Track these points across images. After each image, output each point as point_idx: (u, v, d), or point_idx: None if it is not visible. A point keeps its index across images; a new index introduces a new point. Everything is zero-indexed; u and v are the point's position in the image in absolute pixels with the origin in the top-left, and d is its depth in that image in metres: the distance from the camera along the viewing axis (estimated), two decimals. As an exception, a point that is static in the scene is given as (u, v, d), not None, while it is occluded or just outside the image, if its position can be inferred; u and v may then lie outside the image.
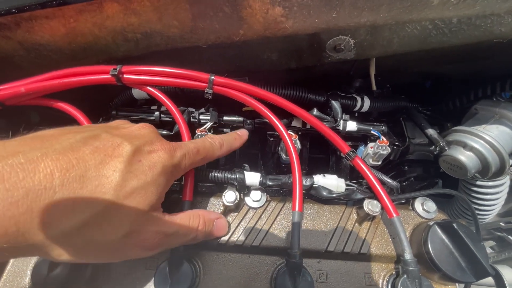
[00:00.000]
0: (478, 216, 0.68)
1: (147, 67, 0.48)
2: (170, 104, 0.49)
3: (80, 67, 0.48)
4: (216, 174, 0.46)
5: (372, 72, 0.70)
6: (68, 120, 0.84)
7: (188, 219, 0.39)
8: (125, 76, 0.48)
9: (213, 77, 0.49)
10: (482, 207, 0.64)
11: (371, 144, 0.55)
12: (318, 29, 0.49)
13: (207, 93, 0.50)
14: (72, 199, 0.27)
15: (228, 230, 0.45)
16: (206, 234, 0.41)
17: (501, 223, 0.82)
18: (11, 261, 0.42)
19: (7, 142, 0.29)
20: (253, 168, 0.52)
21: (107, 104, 0.67)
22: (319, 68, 0.73)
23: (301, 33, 0.50)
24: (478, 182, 0.62)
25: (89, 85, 0.49)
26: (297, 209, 0.43)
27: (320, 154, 0.73)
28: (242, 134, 0.51)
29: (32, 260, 0.42)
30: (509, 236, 0.86)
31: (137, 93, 0.62)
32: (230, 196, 0.44)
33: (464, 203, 0.63)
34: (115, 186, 0.30)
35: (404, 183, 0.76)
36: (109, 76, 0.48)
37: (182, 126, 0.48)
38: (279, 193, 0.59)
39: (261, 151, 0.69)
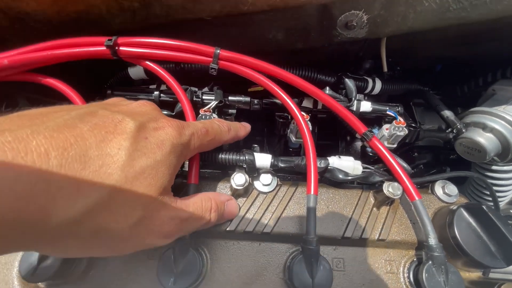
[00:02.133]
0: (490, 201, 0.66)
1: (146, 38, 0.44)
2: (171, 81, 0.45)
3: (71, 38, 0.44)
4: (223, 156, 0.43)
5: (383, 52, 0.66)
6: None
7: (201, 202, 0.35)
8: (121, 48, 0.44)
9: (218, 51, 0.45)
10: (496, 193, 0.62)
11: (386, 126, 0.51)
12: None
13: (212, 68, 0.46)
14: (74, 181, 0.23)
15: (237, 216, 0.42)
16: (219, 217, 0.38)
17: (511, 210, 0.81)
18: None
19: None
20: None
21: (101, 85, 0.63)
22: (326, 49, 0.69)
23: (315, 2, 0.46)
24: (494, 167, 0.59)
25: (82, 59, 0.44)
26: (312, 192, 0.39)
27: (328, 140, 0.69)
28: (246, 126, 0.47)
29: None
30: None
31: (134, 72, 0.57)
32: (239, 178, 0.41)
33: (482, 185, 0.60)
34: (122, 165, 0.26)
35: (414, 170, 0.74)
36: (104, 48, 0.43)
37: (185, 105, 0.44)
38: (287, 179, 0.56)
39: (267, 135, 0.65)
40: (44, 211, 0.22)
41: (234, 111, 0.53)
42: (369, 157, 0.59)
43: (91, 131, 0.26)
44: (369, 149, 0.59)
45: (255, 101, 0.52)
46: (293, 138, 0.52)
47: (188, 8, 0.47)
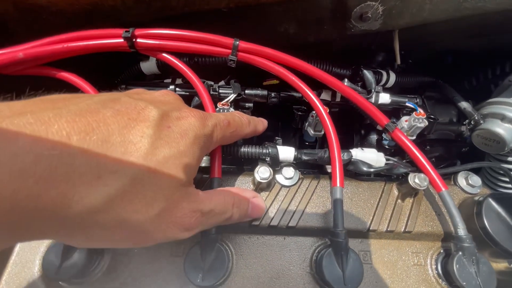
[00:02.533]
0: (506, 190, 0.66)
1: (164, 29, 0.43)
2: (190, 73, 0.44)
3: (87, 30, 0.42)
4: (246, 149, 0.42)
5: (397, 45, 0.65)
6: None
7: (223, 197, 0.34)
8: (138, 40, 0.43)
9: (237, 42, 0.44)
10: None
11: (405, 118, 0.51)
12: None
13: (230, 60, 0.45)
14: (95, 168, 0.22)
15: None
16: (241, 214, 0.36)
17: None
18: (17, 248, 0.37)
19: (12, 103, 0.24)
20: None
21: (112, 81, 0.61)
22: (337, 43, 0.68)
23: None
24: (510, 158, 0.59)
25: (98, 51, 0.43)
26: (338, 184, 0.39)
27: (342, 133, 0.68)
28: (264, 121, 0.46)
29: (41, 247, 0.37)
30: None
31: (146, 67, 0.55)
32: (264, 172, 0.40)
33: (502, 173, 0.59)
34: (145, 153, 0.25)
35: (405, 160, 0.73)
36: (121, 40, 0.42)
37: (205, 97, 0.43)
38: (304, 172, 0.55)
39: (281, 129, 0.64)
40: (64, 197, 0.21)
41: (251, 104, 0.52)
42: (385, 150, 0.58)
43: (114, 117, 0.25)
44: (385, 142, 0.59)
45: (273, 94, 0.52)
46: (311, 132, 0.51)
47: (205, -1, 0.46)
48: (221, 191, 0.36)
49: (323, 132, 0.51)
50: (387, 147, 0.58)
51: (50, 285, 0.36)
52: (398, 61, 0.67)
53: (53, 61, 0.45)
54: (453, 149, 0.76)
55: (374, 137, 0.62)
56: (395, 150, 0.58)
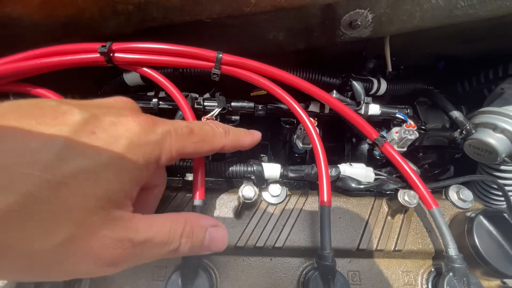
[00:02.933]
0: (497, 203, 0.65)
1: (143, 43, 0.41)
2: (171, 87, 0.42)
3: (62, 45, 0.40)
4: (229, 168, 0.40)
5: (388, 52, 0.64)
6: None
7: (170, 224, 0.27)
8: (116, 55, 0.41)
9: (221, 55, 0.42)
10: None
11: (395, 129, 0.50)
12: None
13: (214, 73, 0.43)
14: None
15: (246, 231, 0.39)
16: (194, 246, 0.29)
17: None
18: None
19: None
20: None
21: (96, 92, 0.59)
22: (328, 49, 0.67)
23: (320, 2, 0.44)
24: (502, 167, 0.58)
25: (74, 67, 0.41)
26: (325, 202, 0.37)
27: (332, 143, 0.67)
28: (254, 133, 0.40)
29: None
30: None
31: (129, 78, 0.54)
32: (248, 191, 0.38)
33: (494, 187, 0.59)
34: (45, 165, 0.20)
35: (420, 170, 0.73)
36: (98, 55, 0.40)
37: (187, 112, 0.41)
38: (293, 185, 0.54)
39: (270, 141, 0.63)
40: None
41: (237, 117, 0.50)
42: (376, 161, 0.57)
43: (17, 119, 0.21)
44: (376, 152, 0.58)
45: (259, 106, 0.50)
46: (299, 144, 0.50)
47: (186, 10, 0.44)
48: (169, 216, 0.29)
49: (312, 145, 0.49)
50: (378, 157, 0.57)
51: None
52: (390, 68, 0.65)
53: (31, 76, 0.43)
54: (446, 156, 0.75)
55: (365, 147, 0.61)
56: (387, 160, 0.57)
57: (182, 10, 0.44)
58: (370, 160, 0.59)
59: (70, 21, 0.43)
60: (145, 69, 0.43)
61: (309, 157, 0.60)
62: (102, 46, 0.39)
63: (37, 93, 0.42)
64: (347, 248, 0.40)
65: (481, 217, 0.38)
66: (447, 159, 0.76)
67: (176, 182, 0.55)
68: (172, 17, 0.45)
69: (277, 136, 0.59)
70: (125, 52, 0.41)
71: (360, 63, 0.68)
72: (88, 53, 0.40)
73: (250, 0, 0.42)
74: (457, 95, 0.76)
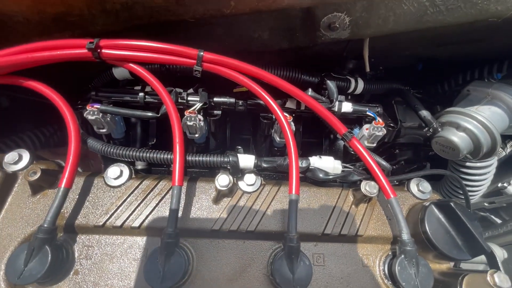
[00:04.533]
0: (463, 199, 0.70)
1: (129, 41, 0.44)
2: (155, 83, 0.45)
3: (52, 40, 0.43)
4: (207, 158, 0.44)
5: (366, 53, 0.68)
6: (41, 105, 0.77)
7: None
8: (104, 51, 0.44)
9: (202, 53, 0.46)
10: (470, 188, 0.65)
11: (366, 126, 0.53)
12: (314, 2, 0.46)
13: (195, 71, 0.46)
14: None
15: (221, 216, 0.43)
16: None
17: (485, 203, 0.85)
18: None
19: None
20: (245, 153, 0.50)
21: (86, 85, 0.62)
22: (311, 49, 0.70)
23: (297, 6, 0.47)
24: (468, 163, 0.63)
25: (64, 61, 0.44)
26: (293, 191, 0.41)
27: (312, 138, 0.71)
28: None
29: (7, 252, 0.39)
30: (492, 216, 0.90)
31: (118, 73, 0.57)
32: (223, 180, 0.42)
33: (456, 182, 0.63)
34: None
35: (395, 167, 0.77)
36: (86, 50, 0.43)
37: (170, 107, 0.45)
38: (272, 177, 0.57)
39: (253, 135, 0.66)
40: None
41: (219, 112, 0.54)
42: (351, 155, 0.61)
43: None
44: (350, 148, 0.62)
45: (240, 102, 0.53)
46: (277, 138, 0.53)
47: (171, 10, 0.47)
48: None
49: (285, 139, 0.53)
50: (352, 152, 0.60)
51: (15, 289, 0.38)
52: (367, 69, 0.69)
53: (23, 70, 0.46)
54: (421, 153, 0.80)
55: (341, 143, 0.65)
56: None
57: (166, 10, 0.46)
58: (346, 155, 0.63)
59: (60, 18, 0.46)
60: (131, 65, 0.46)
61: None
62: (90, 43, 0.42)
63: (29, 85, 0.45)
64: (313, 233, 0.44)
65: (433, 207, 0.42)
66: (422, 156, 0.80)
67: (162, 172, 0.58)
68: (157, 16, 0.48)
69: (259, 131, 0.63)
70: (112, 48, 0.44)
71: (341, 63, 0.71)
72: (77, 48, 0.43)
73: (229, 2, 0.45)
74: (435, 95, 0.80)
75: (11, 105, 0.76)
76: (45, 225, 0.37)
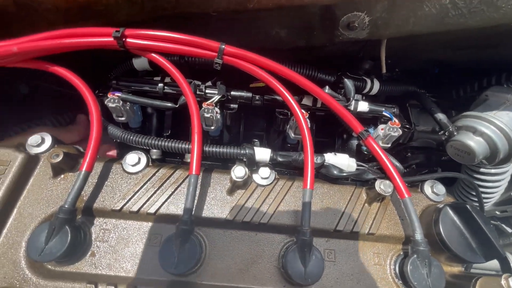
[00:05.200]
0: (476, 203, 0.69)
1: (154, 31, 0.45)
2: (177, 74, 0.46)
3: (79, 28, 0.44)
4: (224, 150, 0.44)
5: (383, 54, 0.68)
6: (59, 93, 0.79)
7: None
8: (128, 40, 0.45)
9: (223, 46, 0.46)
10: (483, 195, 0.64)
11: (381, 126, 0.53)
12: (334, 0, 0.46)
13: (216, 63, 0.47)
14: None
15: (235, 207, 0.44)
16: None
17: (497, 212, 0.84)
18: (4, 231, 0.40)
19: None
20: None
21: (105, 74, 0.63)
22: (327, 48, 0.70)
23: (319, 3, 0.48)
24: (482, 169, 0.62)
25: (89, 49, 0.45)
26: (308, 186, 0.41)
27: (324, 137, 0.71)
28: None
29: (28, 231, 0.40)
30: (503, 225, 0.89)
31: (138, 63, 0.58)
32: (239, 171, 0.43)
33: (469, 187, 0.63)
34: None
35: (406, 170, 0.76)
36: (111, 39, 0.44)
37: (190, 97, 0.45)
38: (284, 173, 0.58)
39: (266, 130, 0.66)
40: None
41: (236, 105, 0.54)
42: (363, 155, 0.61)
43: None
44: (364, 148, 0.61)
45: (257, 97, 0.54)
46: (291, 134, 0.54)
47: (195, 2, 0.48)
48: None
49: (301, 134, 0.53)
50: (365, 152, 0.61)
51: (34, 266, 0.39)
52: (384, 70, 0.69)
53: (47, 55, 0.47)
54: (434, 157, 0.79)
55: (354, 142, 0.65)
56: (372, 156, 0.61)
57: (190, 2, 0.47)
58: (358, 154, 0.63)
59: (87, 6, 0.47)
60: (153, 55, 0.46)
61: (300, 148, 0.64)
62: (116, 31, 0.43)
63: (54, 70, 0.46)
64: (325, 228, 0.44)
65: (448, 209, 0.42)
66: (434, 161, 0.79)
67: (176, 162, 0.59)
68: (181, 8, 0.48)
69: (273, 126, 0.63)
70: (136, 38, 0.45)
71: (356, 63, 0.71)
72: (103, 36, 0.44)
73: (253, -3, 0.46)
74: (451, 100, 0.79)
75: (30, 92, 0.78)
76: (66, 206, 0.38)
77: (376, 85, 0.65)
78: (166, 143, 0.44)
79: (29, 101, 0.77)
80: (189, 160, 0.59)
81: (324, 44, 0.64)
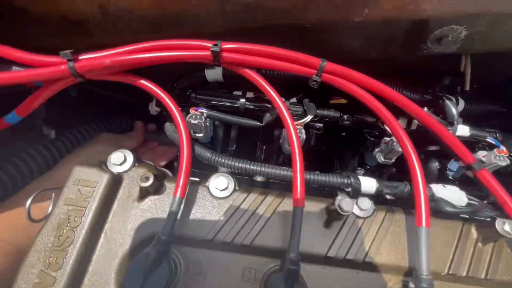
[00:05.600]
0: None
1: (252, 45, 0.41)
2: (273, 93, 0.42)
3: (174, 39, 0.41)
4: (326, 178, 0.40)
5: (468, 69, 0.62)
6: (103, 97, 0.77)
7: None
8: (223, 54, 0.41)
9: (324, 63, 0.42)
10: None
11: (483, 153, 0.48)
12: (460, 13, 0.42)
13: (314, 81, 0.43)
14: None
15: (337, 242, 0.40)
16: None
17: None
18: (94, 257, 0.37)
19: None
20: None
21: (172, 84, 0.60)
22: (399, 61, 0.66)
23: (441, 17, 0.43)
24: None
25: (181, 62, 0.42)
26: (423, 224, 0.37)
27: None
28: None
29: (116, 259, 0.37)
30: None
31: (211, 74, 0.54)
32: (346, 204, 0.38)
33: None
34: None
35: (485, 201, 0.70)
36: (206, 53, 0.40)
37: (286, 116, 0.41)
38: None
39: (337, 150, 0.62)
40: None
41: (321, 125, 0.50)
42: (448, 181, 0.56)
43: None
44: (450, 173, 0.56)
45: (345, 116, 0.50)
46: (381, 158, 0.49)
47: (293, 13, 0.44)
48: None
49: (393, 161, 0.49)
50: (450, 178, 0.55)
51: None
52: (467, 87, 0.64)
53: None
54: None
55: (435, 165, 0.60)
56: (459, 182, 0.56)
57: (289, 13, 0.43)
58: (442, 181, 0.58)
59: (175, 16, 0.44)
60: (247, 70, 0.43)
61: (378, 171, 0.59)
62: (215, 45, 0.40)
63: (141, 84, 0.43)
64: (435, 271, 0.39)
65: None
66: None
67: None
68: (275, 19, 0.45)
69: (360, 147, 0.57)
70: (233, 52, 0.41)
71: (433, 78, 0.66)
72: (200, 50, 0.40)
73: (363, 10, 0.41)
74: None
75: (79, 95, 0.76)
76: (163, 237, 0.35)
77: (461, 104, 0.59)
78: (267, 169, 0.40)
79: (76, 104, 0.75)
80: (259, 179, 0.55)
81: (399, 56, 0.60)
